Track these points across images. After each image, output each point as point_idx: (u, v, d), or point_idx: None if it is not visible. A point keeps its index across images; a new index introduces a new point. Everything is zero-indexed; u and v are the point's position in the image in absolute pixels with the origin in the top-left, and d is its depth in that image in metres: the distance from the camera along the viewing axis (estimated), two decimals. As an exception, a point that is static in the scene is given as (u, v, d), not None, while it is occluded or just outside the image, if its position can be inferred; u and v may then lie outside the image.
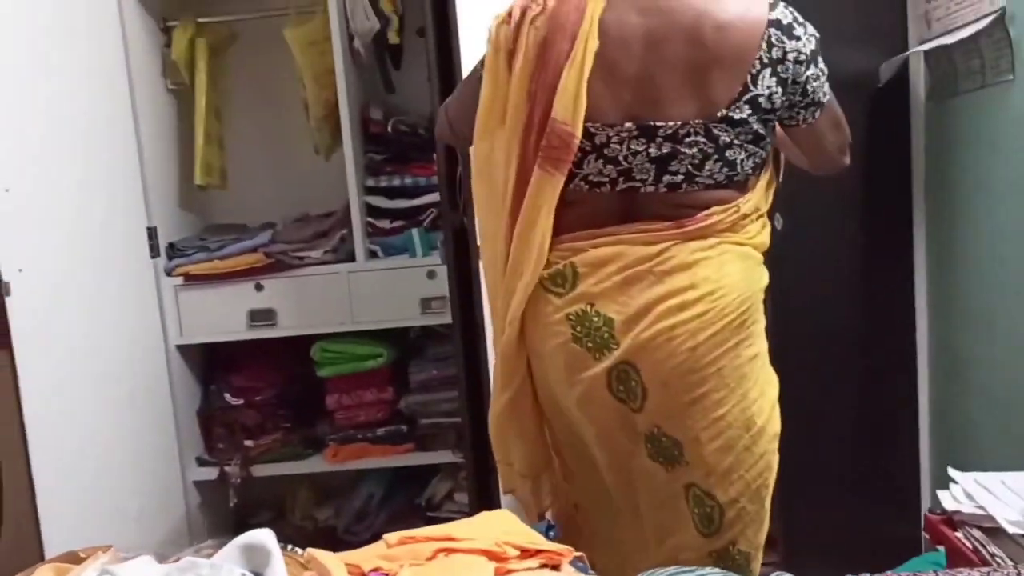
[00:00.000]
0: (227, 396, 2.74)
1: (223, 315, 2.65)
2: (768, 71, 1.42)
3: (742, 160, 1.46)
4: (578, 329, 1.47)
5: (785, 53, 1.42)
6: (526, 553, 1.04)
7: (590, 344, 1.47)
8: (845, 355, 2.28)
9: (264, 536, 1.02)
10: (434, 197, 2.62)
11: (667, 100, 1.42)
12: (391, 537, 1.08)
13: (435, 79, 2.12)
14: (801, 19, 1.47)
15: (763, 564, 1.63)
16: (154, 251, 2.57)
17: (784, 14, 1.45)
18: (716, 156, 1.44)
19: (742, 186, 1.50)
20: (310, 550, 1.04)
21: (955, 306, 2.21)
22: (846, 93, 2.20)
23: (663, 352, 1.43)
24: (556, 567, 1.05)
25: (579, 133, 1.42)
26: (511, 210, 1.49)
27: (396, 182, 2.68)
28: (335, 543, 2.48)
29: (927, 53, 2.17)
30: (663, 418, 1.47)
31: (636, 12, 1.42)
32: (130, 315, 2.45)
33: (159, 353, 2.59)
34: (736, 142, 1.44)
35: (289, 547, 1.11)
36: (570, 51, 1.40)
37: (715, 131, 1.42)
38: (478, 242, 1.75)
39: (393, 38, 2.65)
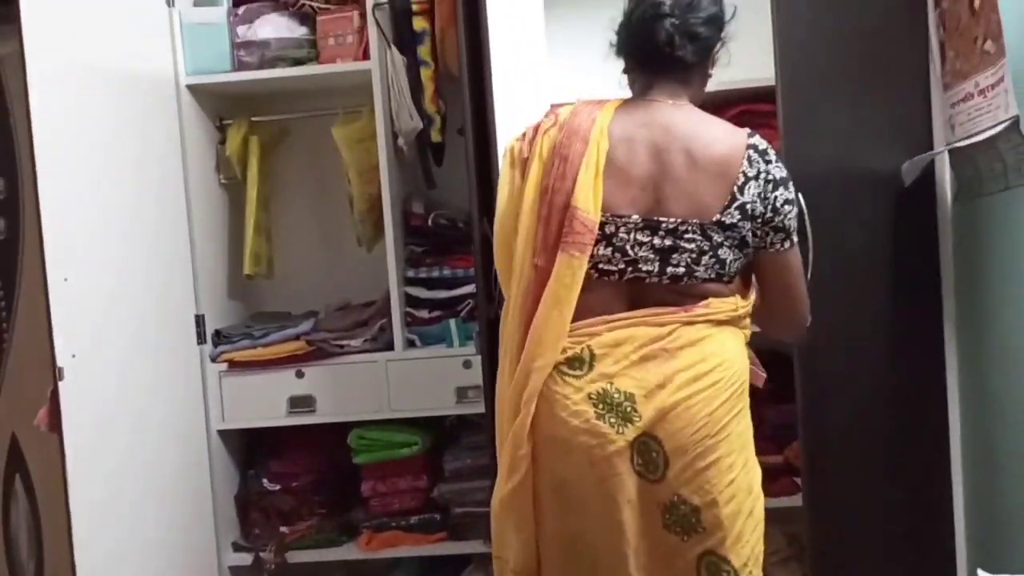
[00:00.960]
0: (265, 481, 2.77)
1: (264, 401, 2.70)
2: (752, 183, 1.61)
3: (730, 261, 1.63)
4: (600, 406, 1.56)
5: (759, 172, 1.63)
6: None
7: (612, 420, 1.56)
8: (877, 453, 2.26)
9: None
10: (471, 288, 2.68)
11: (669, 200, 1.59)
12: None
13: (473, 174, 2.21)
14: (773, 151, 1.67)
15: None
16: (201, 338, 2.66)
17: (760, 141, 1.66)
18: (710, 253, 1.60)
19: (729, 286, 1.66)
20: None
21: (988, 403, 2.20)
22: (873, 194, 2.27)
23: (683, 420, 1.55)
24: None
25: (598, 220, 1.57)
26: (533, 295, 1.60)
27: (435, 273, 2.75)
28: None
29: (952, 156, 2.22)
30: (683, 484, 1.55)
31: (640, 125, 1.63)
32: (176, 401, 2.53)
33: (201, 438, 2.65)
34: (726, 243, 1.61)
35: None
36: (584, 151, 1.58)
37: (709, 232, 1.59)
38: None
39: (435, 136, 2.77)
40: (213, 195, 2.85)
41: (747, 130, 1.66)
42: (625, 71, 1.75)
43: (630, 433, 1.55)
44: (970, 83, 2.08)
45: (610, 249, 1.60)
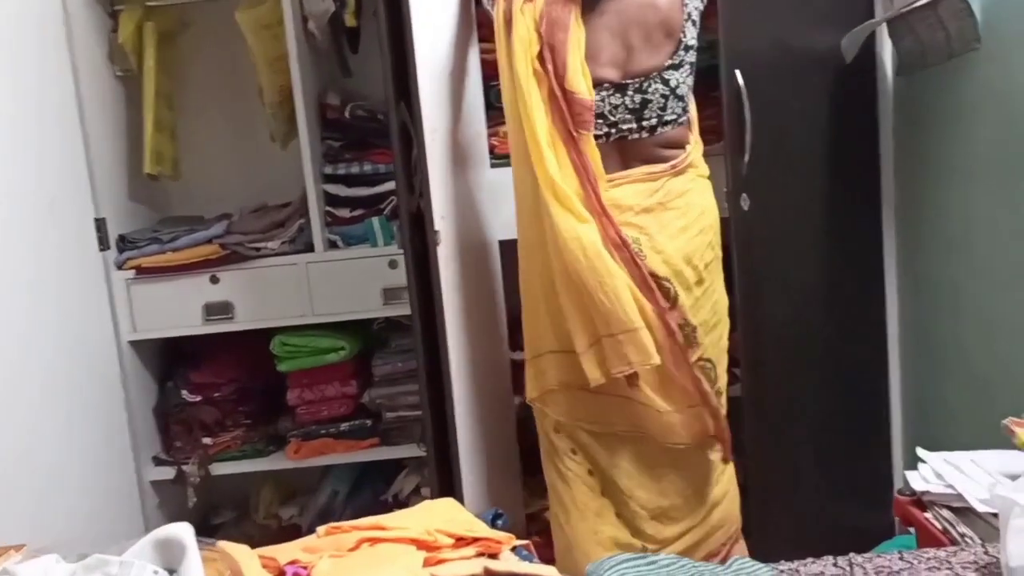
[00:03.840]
0: (184, 393, 2.65)
1: (178, 309, 2.56)
2: (689, 27, 1.87)
3: (685, 94, 1.91)
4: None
5: (691, 12, 1.88)
6: (462, 541, 0.97)
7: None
8: (815, 338, 2.22)
9: (179, 530, 0.95)
10: (394, 184, 2.54)
11: (632, 63, 1.85)
12: (321, 529, 1.01)
13: (387, 60, 2.04)
14: None
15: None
16: (103, 243, 2.48)
17: None
18: (671, 96, 1.87)
19: (689, 132, 1.95)
20: (220, 543, 0.97)
21: (925, 286, 2.17)
22: (814, 71, 2.17)
23: (683, 260, 1.88)
24: (495, 555, 0.98)
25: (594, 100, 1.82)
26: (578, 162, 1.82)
27: (355, 169, 2.61)
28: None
29: (892, 29, 2.12)
30: (687, 310, 1.88)
31: (600, 14, 1.85)
32: (79, 311, 2.36)
33: (111, 349, 2.50)
34: (680, 79, 1.88)
35: (211, 541, 1.03)
36: (566, 39, 1.79)
37: (666, 76, 1.86)
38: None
39: (350, 20, 2.58)
40: (107, 89, 2.61)
41: None
42: None
43: (645, 273, 1.83)
44: (912, -49, 1.97)
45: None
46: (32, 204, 2.18)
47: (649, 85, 1.85)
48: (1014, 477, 1.26)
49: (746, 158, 2.04)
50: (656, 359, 1.80)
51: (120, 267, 2.54)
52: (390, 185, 2.57)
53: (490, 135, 2.45)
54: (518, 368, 2.55)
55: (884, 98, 2.23)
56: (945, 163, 2.01)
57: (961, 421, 2.02)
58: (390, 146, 2.52)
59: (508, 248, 2.33)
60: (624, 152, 1.90)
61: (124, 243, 2.55)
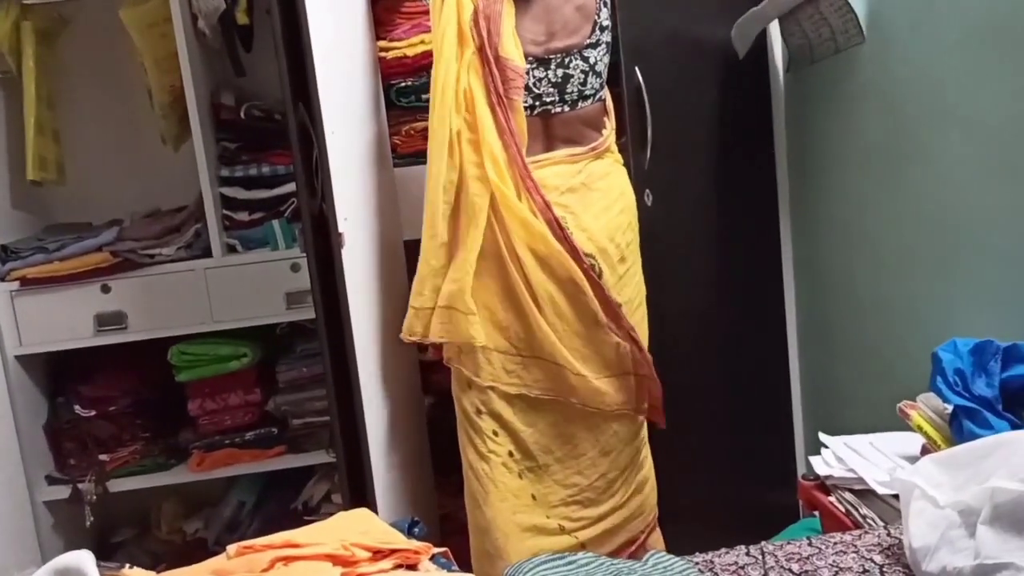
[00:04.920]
0: (77, 408, 2.53)
1: (67, 321, 2.45)
2: (603, 9, 1.98)
3: (602, 70, 2.00)
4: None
5: None
6: (379, 554, 0.95)
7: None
8: (716, 326, 2.28)
9: (79, 558, 0.90)
10: (295, 186, 2.48)
11: (554, 39, 1.94)
12: (231, 549, 0.98)
13: (283, 59, 1.99)
14: None
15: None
16: (-17, 255, 2.35)
17: None
18: (591, 72, 1.96)
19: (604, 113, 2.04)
20: (125, 570, 0.93)
21: (821, 272, 2.24)
22: (709, 67, 2.22)
23: (606, 239, 1.97)
24: (413, 566, 0.96)
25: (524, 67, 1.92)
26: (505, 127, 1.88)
27: (253, 171, 2.53)
28: (206, 556, 2.33)
29: (782, 26, 2.18)
30: (611, 288, 1.94)
31: None
32: (-42, 325, 2.23)
33: (-5, 365, 2.37)
34: (598, 57, 1.97)
35: (116, 566, 0.99)
36: (502, 11, 1.89)
37: (585, 54, 1.95)
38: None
39: (242, 18, 2.49)
40: (-17, 91, 2.48)
41: None
42: None
43: (572, 240, 1.89)
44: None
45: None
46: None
47: (570, 61, 1.95)
48: (911, 458, 1.32)
49: (647, 154, 2.08)
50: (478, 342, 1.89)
51: (3, 279, 2.41)
52: (290, 187, 2.51)
53: (392, 134, 2.42)
54: (427, 368, 2.54)
55: (776, 93, 2.30)
56: (836, 153, 2.08)
57: (859, 403, 2.10)
58: (289, 147, 2.48)
59: (413, 248, 2.31)
60: (548, 130, 1.98)
61: (6, 253, 2.42)
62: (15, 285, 2.42)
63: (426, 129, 2.36)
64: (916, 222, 1.77)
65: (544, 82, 1.96)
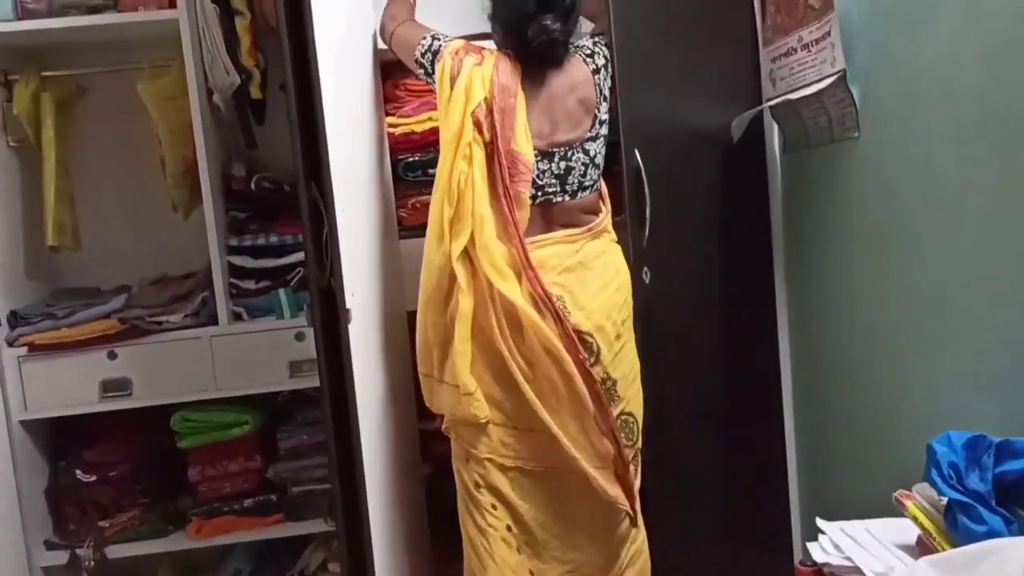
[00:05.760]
0: (78, 473, 2.55)
1: (73, 387, 2.47)
2: (603, 103, 2.08)
3: (600, 162, 2.08)
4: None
5: (602, 91, 2.08)
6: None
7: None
8: (713, 401, 2.31)
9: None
10: (301, 256, 2.54)
11: (558, 133, 2.02)
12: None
13: (297, 140, 2.04)
14: (600, 43, 2.11)
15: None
16: (-6, 321, 2.39)
17: (598, 55, 2.08)
18: (591, 164, 2.05)
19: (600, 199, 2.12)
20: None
21: (816, 352, 2.28)
22: (705, 148, 2.28)
23: (603, 317, 2.00)
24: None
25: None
26: (509, 218, 1.94)
27: (261, 241, 2.59)
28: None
29: (775, 112, 2.26)
30: (607, 365, 1.99)
31: (534, 83, 2.03)
32: (-35, 390, 2.26)
33: (0, 429, 2.39)
34: (597, 149, 2.07)
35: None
36: (515, 106, 1.97)
37: (586, 147, 2.04)
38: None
39: (255, 93, 2.58)
40: (2, 159, 2.54)
41: (584, 58, 2.07)
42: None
43: (569, 329, 1.93)
44: (793, 38, 2.11)
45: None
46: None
47: (572, 154, 2.03)
48: (907, 548, 1.35)
49: (646, 232, 2.13)
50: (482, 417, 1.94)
51: (11, 344, 2.45)
52: (297, 256, 2.57)
53: (398, 207, 2.48)
54: (427, 437, 2.56)
55: (773, 173, 2.36)
56: (831, 234, 2.13)
57: (856, 482, 2.12)
58: (296, 217, 2.54)
59: (415, 317, 2.36)
60: (547, 216, 2.03)
61: (16, 319, 2.46)
62: (23, 351, 2.45)
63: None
64: (909, 307, 1.82)
65: (547, 174, 2.02)
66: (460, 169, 1.94)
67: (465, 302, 1.92)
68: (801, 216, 2.28)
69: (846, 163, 2.02)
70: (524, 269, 1.93)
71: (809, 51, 2.05)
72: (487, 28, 2.14)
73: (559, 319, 1.92)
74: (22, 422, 2.48)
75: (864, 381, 2.04)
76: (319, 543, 2.68)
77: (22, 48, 2.58)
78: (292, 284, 2.58)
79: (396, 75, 2.46)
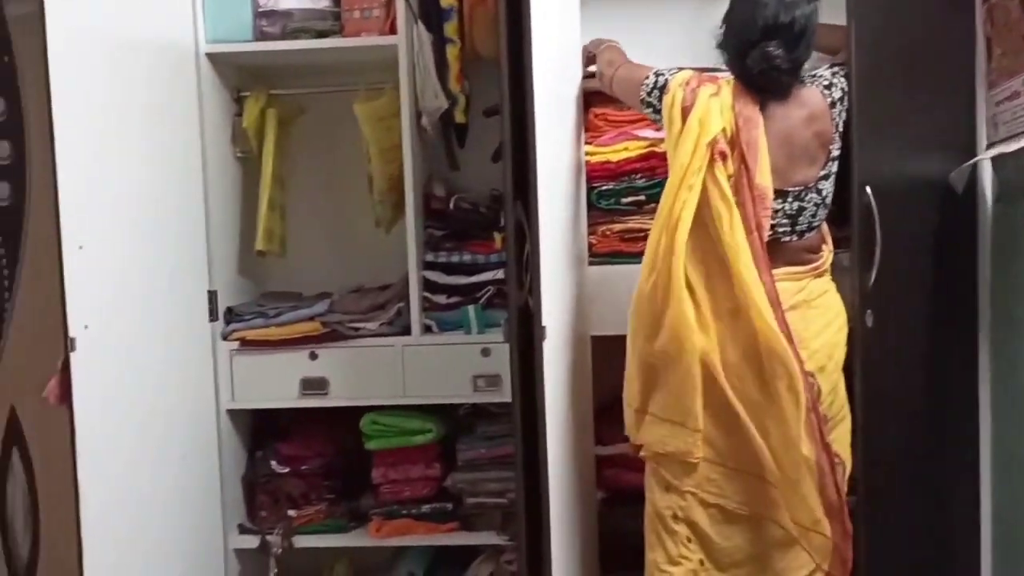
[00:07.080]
0: (273, 464, 2.71)
1: (276, 382, 2.64)
2: (837, 137, 2.03)
3: (831, 200, 2.05)
4: None
5: (837, 122, 2.02)
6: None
7: None
8: (920, 460, 2.20)
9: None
10: (491, 275, 2.64)
11: (791, 171, 1.98)
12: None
13: (509, 159, 2.12)
14: (839, 74, 2.04)
15: None
16: (213, 315, 2.59)
17: (836, 87, 2.02)
18: (823, 205, 2.03)
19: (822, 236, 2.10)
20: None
21: (1018, 411, 2.16)
22: (920, 197, 2.20)
23: (826, 356, 2.00)
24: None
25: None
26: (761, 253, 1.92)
27: (455, 258, 2.69)
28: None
29: (994, 158, 2.18)
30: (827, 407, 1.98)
31: (771, 117, 1.98)
32: (187, 378, 2.46)
33: (211, 417, 2.58)
34: (827, 186, 2.03)
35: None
36: (759, 138, 1.94)
37: (819, 186, 2.01)
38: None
39: (460, 117, 2.70)
40: (229, 168, 2.77)
41: (822, 89, 2.02)
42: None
43: (804, 368, 1.90)
44: (1017, 80, 2.04)
45: None
46: (157, 274, 2.30)
47: (806, 195, 2.00)
48: None
49: (873, 273, 2.05)
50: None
51: (225, 338, 2.64)
52: (486, 275, 2.66)
53: (589, 234, 2.54)
54: (600, 462, 2.58)
55: (984, 225, 2.26)
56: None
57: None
58: (489, 238, 2.65)
59: (598, 343, 2.40)
60: (773, 253, 1.98)
61: (231, 315, 2.65)
62: (235, 345, 2.64)
63: (623, 231, 2.51)
64: None
65: (780, 214, 1.99)
66: (681, 200, 1.93)
67: (697, 339, 1.91)
68: (1010, 267, 2.18)
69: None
70: (776, 307, 1.91)
71: (1036, 96, 1.98)
72: (699, 62, 2.15)
73: (799, 358, 1.89)
74: (229, 411, 2.66)
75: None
76: (487, 556, 2.74)
77: (255, 68, 2.80)
78: (481, 301, 2.66)
79: (597, 103, 2.52)
